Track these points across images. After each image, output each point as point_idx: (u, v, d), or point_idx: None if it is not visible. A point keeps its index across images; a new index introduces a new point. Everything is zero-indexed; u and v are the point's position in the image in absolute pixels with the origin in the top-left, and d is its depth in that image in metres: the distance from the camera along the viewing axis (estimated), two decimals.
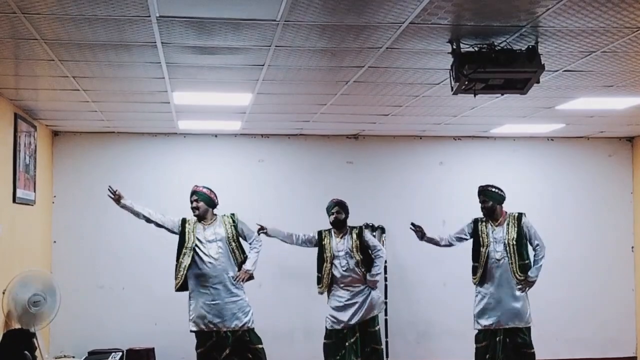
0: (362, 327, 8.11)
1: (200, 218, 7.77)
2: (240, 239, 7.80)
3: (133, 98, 7.30)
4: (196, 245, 7.63)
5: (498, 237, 7.98)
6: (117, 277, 9.46)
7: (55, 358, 7.99)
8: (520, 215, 8.03)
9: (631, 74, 6.13)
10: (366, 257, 8.15)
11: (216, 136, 9.76)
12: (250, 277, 7.71)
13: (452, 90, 5.16)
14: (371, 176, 9.91)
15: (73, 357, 8.06)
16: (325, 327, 8.15)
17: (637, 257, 10.14)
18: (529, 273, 7.79)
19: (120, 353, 8.29)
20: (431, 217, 9.95)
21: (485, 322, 7.98)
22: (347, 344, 8.05)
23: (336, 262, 8.09)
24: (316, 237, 8.26)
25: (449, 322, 9.85)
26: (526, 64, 4.91)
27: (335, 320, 8.06)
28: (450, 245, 8.33)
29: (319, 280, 8.18)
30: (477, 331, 8.12)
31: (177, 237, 9.53)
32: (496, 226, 8.03)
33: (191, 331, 7.65)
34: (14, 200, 7.53)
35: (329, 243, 8.18)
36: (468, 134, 9.86)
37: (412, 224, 8.24)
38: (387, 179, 9.96)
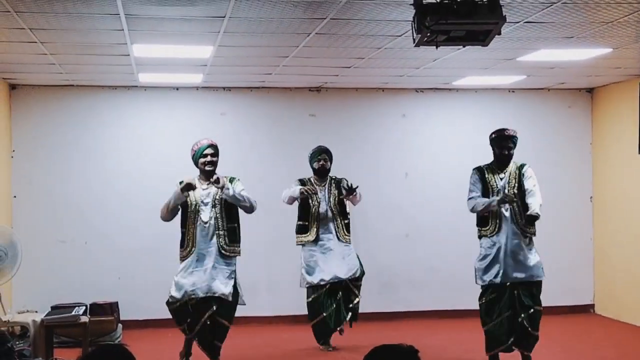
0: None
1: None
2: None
3: (92, 50, 7.19)
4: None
5: (500, 186, 7.25)
6: (80, 231, 9.41)
7: (18, 313, 7.96)
8: (522, 165, 7.38)
9: (591, 25, 6.17)
10: (342, 209, 8.38)
11: (177, 89, 9.67)
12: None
13: (414, 42, 5.14)
14: (334, 129, 9.91)
15: (36, 311, 8.02)
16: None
17: (595, 207, 10.31)
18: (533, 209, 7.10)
19: (84, 307, 8.27)
20: (394, 169, 10.03)
21: (493, 278, 7.21)
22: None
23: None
24: (298, 187, 8.26)
25: (411, 272, 9.97)
26: (488, 15, 4.90)
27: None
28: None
29: (307, 229, 8.24)
30: (482, 287, 7.35)
31: (139, 191, 9.52)
32: (502, 174, 7.33)
33: None
34: None
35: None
36: (430, 86, 9.88)
37: None
38: (350, 131, 9.97)
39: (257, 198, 9.39)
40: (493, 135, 7.47)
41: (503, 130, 7.44)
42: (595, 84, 9.94)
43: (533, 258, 7.22)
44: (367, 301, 9.74)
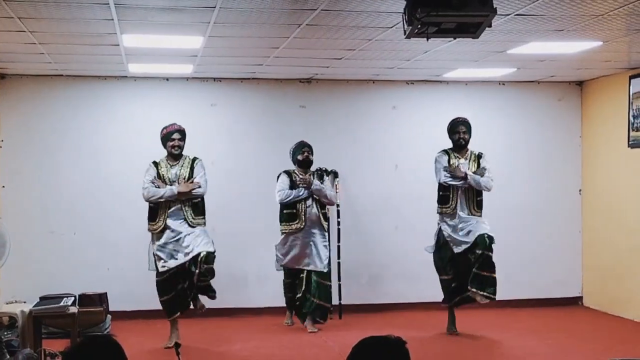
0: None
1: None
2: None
3: (81, 40, 7.15)
4: None
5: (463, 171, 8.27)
6: (69, 222, 9.38)
7: (7, 303, 7.94)
8: (480, 153, 8.41)
9: (581, 18, 6.18)
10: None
11: (167, 80, 9.63)
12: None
13: (405, 34, 5.15)
14: (324, 120, 9.90)
15: (24, 302, 8.00)
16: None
17: (584, 200, 10.34)
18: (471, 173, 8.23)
19: (73, 298, 8.26)
20: (384, 161, 10.03)
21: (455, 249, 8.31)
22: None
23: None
24: (287, 181, 8.66)
25: (400, 264, 9.98)
26: (478, 7, 4.91)
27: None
28: None
29: (295, 217, 8.58)
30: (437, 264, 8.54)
31: (128, 182, 9.48)
32: (463, 159, 8.32)
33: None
34: None
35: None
36: (421, 78, 9.87)
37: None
38: (340, 123, 9.96)
39: (246, 189, 9.56)
40: (449, 126, 8.47)
41: (456, 117, 8.49)
42: (585, 77, 9.96)
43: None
44: (356, 293, 9.77)
